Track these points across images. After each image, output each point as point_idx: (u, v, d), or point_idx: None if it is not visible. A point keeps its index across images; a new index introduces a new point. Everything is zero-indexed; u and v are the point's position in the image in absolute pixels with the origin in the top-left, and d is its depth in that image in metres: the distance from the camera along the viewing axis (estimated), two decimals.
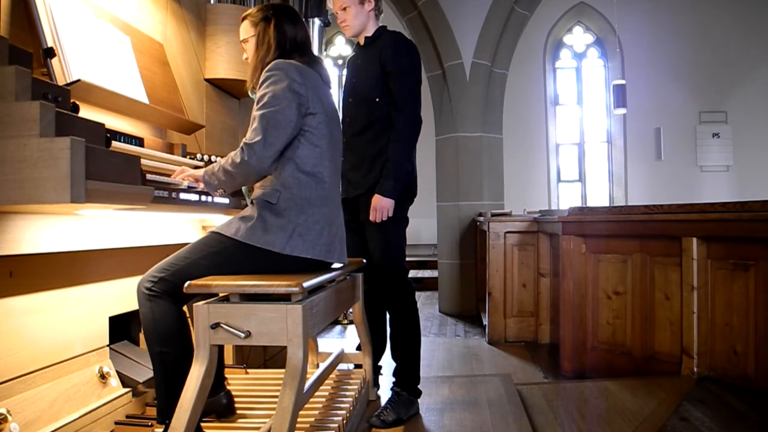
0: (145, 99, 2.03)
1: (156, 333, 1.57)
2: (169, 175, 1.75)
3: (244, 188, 1.96)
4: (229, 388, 2.20)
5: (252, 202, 1.73)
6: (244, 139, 1.68)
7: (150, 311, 1.57)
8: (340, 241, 1.84)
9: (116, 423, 1.76)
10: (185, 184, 1.78)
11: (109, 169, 1.26)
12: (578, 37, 8.95)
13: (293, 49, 1.81)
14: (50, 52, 1.62)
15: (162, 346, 1.57)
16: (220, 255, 1.63)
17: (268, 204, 1.67)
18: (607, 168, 8.78)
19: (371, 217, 2.20)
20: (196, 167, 2.07)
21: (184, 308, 1.68)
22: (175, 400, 1.54)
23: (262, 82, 1.72)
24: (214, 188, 1.74)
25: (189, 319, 1.74)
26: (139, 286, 1.61)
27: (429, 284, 6.81)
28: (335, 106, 1.93)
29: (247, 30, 1.87)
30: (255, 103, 1.72)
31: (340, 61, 9.18)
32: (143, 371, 1.97)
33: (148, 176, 1.59)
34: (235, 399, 2.07)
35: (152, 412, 1.76)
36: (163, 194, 1.62)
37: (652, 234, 2.74)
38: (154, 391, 1.64)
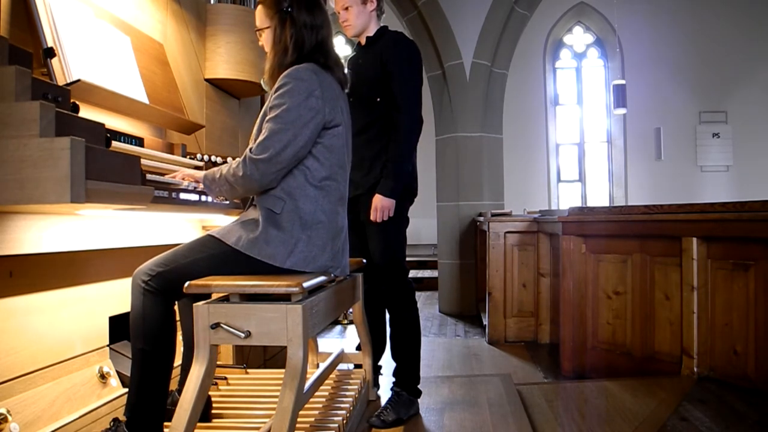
0: (145, 99, 2.03)
1: (142, 330, 1.55)
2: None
3: None
4: (229, 388, 2.21)
5: (254, 205, 1.71)
6: (248, 150, 1.62)
7: (141, 306, 1.56)
8: (344, 253, 1.80)
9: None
10: (185, 183, 1.77)
11: (109, 169, 1.26)
12: (578, 37, 8.95)
13: (314, 51, 1.72)
14: (50, 52, 1.62)
15: (145, 344, 1.55)
16: (220, 258, 1.61)
17: (271, 214, 1.63)
18: (607, 168, 8.78)
19: (372, 217, 2.20)
20: (196, 167, 2.07)
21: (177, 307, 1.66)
22: (145, 399, 1.54)
23: (278, 88, 1.63)
24: (214, 194, 1.72)
25: (187, 319, 1.74)
26: (135, 277, 1.58)
27: (429, 284, 6.81)
28: (349, 114, 1.87)
29: (261, 20, 1.76)
30: (268, 107, 1.64)
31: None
32: None
33: (148, 176, 1.59)
34: (235, 399, 2.08)
35: None
36: (163, 194, 1.62)
37: (652, 234, 2.74)
38: (129, 383, 1.62)
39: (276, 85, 1.64)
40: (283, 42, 1.71)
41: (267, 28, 1.75)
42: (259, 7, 1.76)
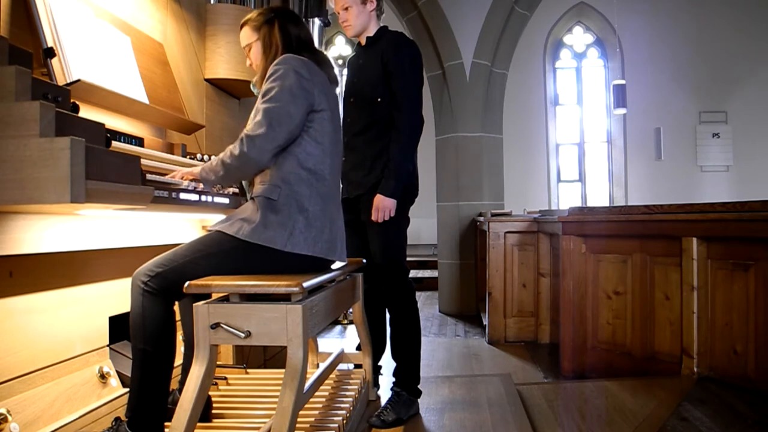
0: (145, 99, 2.03)
1: (142, 330, 1.56)
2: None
3: (245, 183, 1.96)
4: (229, 388, 2.21)
5: (252, 199, 1.72)
6: (244, 131, 1.66)
7: (141, 307, 1.56)
8: (341, 240, 1.84)
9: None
10: (185, 183, 1.77)
11: (109, 169, 1.26)
12: (578, 37, 8.95)
13: (300, 48, 1.81)
14: (50, 52, 1.62)
15: (145, 345, 1.56)
16: (220, 255, 1.62)
17: (269, 201, 1.66)
18: (607, 168, 8.79)
19: (373, 217, 2.20)
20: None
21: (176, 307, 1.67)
22: (146, 399, 1.55)
23: (269, 75, 1.70)
24: (211, 184, 1.73)
25: (187, 319, 1.74)
26: (135, 278, 1.59)
27: (429, 284, 6.81)
28: (338, 104, 1.93)
29: (249, 35, 1.85)
30: (260, 96, 1.70)
31: (340, 62, 9.19)
32: None
33: (148, 176, 1.59)
34: (235, 399, 2.08)
35: None
36: (163, 194, 1.62)
37: (652, 234, 2.74)
38: (130, 384, 1.62)
39: (267, 74, 1.72)
40: (275, 44, 1.80)
41: (256, 40, 1.83)
42: (245, 27, 1.86)
